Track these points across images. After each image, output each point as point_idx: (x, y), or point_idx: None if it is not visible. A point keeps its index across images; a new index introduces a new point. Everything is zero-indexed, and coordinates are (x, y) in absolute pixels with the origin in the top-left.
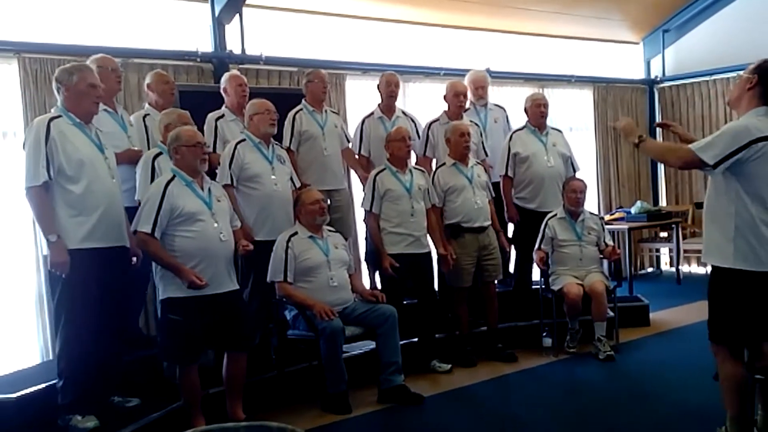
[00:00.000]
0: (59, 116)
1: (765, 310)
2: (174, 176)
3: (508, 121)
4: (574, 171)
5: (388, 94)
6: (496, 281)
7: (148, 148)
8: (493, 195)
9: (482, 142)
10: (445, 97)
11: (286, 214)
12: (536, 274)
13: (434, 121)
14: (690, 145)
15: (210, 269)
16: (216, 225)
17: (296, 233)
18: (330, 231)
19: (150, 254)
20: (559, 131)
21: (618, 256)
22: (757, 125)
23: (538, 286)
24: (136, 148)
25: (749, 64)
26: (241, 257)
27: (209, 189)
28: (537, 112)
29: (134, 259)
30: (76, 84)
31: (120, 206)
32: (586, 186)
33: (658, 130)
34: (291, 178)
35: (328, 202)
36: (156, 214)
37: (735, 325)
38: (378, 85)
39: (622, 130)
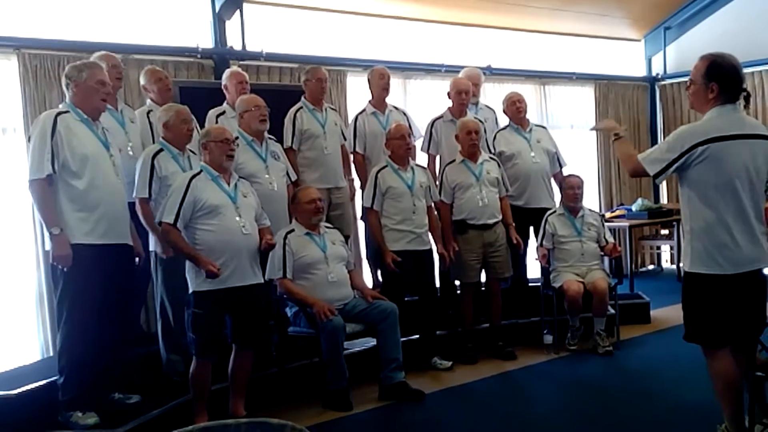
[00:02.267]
0: (67, 111)
1: (732, 310)
2: (201, 171)
3: (496, 123)
4: (561, 167)
5: (382, 88)
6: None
7: (153, 144)
8: (508, 190)
9: (486, 139)
10: (448, 94)
11: (283, 213)
12: (534, 271)
13: (438, 117)
14: (639, 155)
15: (232, 262)
16: (238, 218)
17: (293, 230)
18: (327, 227)
19: (171, 244)
20: (544, 128)
21: (619, 253)
22: (702, 129)
23: (537, 284)
24: (130, 144)
25: (751, 61)
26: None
27: (236, 184)
28: (513, 109)
29: (137, 259)
30: (85, 80)
31: (124, 204)
32: (583, 182)
33: (660, 126)
34: (287, 173)
35: (329, 199)
36: (179, 206)
37: (704, 327)
38: (369, 80)
39: (605, 129)
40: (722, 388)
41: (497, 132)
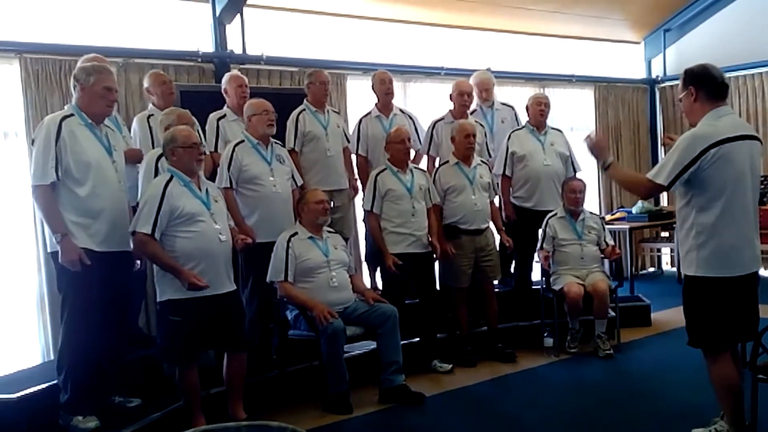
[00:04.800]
0: (71, 115)
1: (735, 313)
2: (172, 176)
3: (517, 119)
4: (575, 171)
5: (384, 92)
6: (495, 281)
7: (153, 149)
8: (496, 193)
9: (486, 143)
10: (450, 96)
11: (287, 215)
12: (536, 273)
13: (439, 119)
14: (648, 175)
15: (209, 270)
16: (215, 225)
17: (296, 233)
18: (330, 232)
19: (148, 256)
20: (560, 131)
21: (618, 255)
22: (709, 132)
23: (539, 286)
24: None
25: (750, 63)
26: (240, 257)
27: (206, 189)
28: (537, 110)
29: (138, 262)
30: (92, 85)
31: (125, 210)
32: (585, 185)
33: (660, 128)
34: (292, 177)
35: (331, 202)
36: (156, 214)
37: (708, 330)
38: (372, 86)
39: (593, 148)
40: (723, 391)
41: (512, 132)
